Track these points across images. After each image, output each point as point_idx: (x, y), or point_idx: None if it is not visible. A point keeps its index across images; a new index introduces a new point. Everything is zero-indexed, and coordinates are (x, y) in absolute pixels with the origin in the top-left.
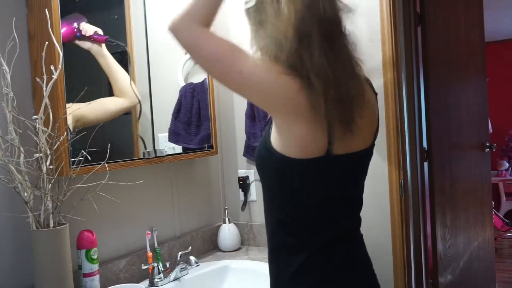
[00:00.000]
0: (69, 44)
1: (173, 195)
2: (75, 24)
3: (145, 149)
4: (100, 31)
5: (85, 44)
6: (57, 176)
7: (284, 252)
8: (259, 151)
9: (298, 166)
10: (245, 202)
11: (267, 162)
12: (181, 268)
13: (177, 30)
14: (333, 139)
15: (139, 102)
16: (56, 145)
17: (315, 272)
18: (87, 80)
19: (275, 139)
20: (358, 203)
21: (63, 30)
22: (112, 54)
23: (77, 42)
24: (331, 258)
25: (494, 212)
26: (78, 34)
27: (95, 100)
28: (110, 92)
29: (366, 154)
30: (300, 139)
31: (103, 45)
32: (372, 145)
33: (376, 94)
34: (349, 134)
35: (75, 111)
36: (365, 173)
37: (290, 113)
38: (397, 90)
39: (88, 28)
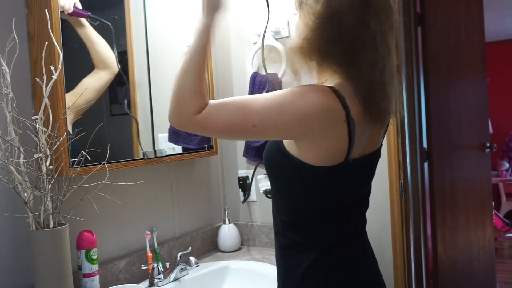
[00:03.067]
0: (68, 42)
1: (173, 195)
2: None
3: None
4: (78, 4)
5: (63, 14)
6: (57, 176)
7: (293, 251)
8: (271, 153)
9: (316, 173)
10: (245, 199)
11: (281, 165)
12: (181, 269)
13: (180, 126)
14: (352, 147)
15: (120, 70)
16: (56, 145)
17: (324, 271)
18: (70, 50)
19: (292, 145)
20: (365, 205)
21: None
22: (95, 25)
23: None
24: (340, 258)
25: (495, 213)
26: None
27: (78, 85)
28: (93, 65)
29: (377, 155)
30: (322, 152)
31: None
32: (381, 145)
33: None
34: (366, 139)
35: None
36: (374, 174)
37: (314, 133)
38: None
39: (66, 5)
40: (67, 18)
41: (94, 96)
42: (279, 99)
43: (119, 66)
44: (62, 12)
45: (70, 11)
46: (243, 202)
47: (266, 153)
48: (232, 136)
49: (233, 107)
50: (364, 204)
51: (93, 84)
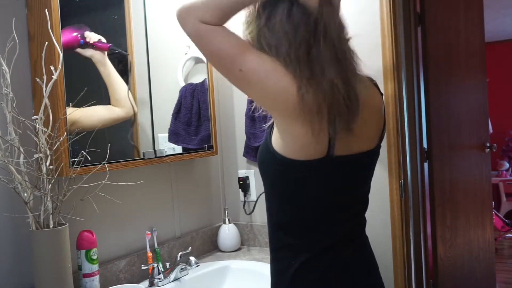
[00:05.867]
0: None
1: (173, 195)
2: (79, 33)
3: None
4: (103, 39)
5: (87, 52)
6: (57, 176)
7: (285, 253)
8: (261, 152)
9: (298, 167)
10: (245, 202)
11: (268, 163)
12: (181, 269)
13: (183, 22)
14: (333, 140)
15: (135, 113)
16: (56, 145)
17: (316, 273)
18: (86, 83)
19: (276, 140)
20: (363, 205)
21: (65, 37)
22: (113, 54)
23: (79, 50)
24: (333, 260)
25: (495, 213)
26: (81, 41)
27: (91, 107)
28: (108, 100)
29: (370, 155)
30: (301, 140)
31: (105, 53)
32: (378, 146)
33: (382, 94)
34: (350, 134)
35: (70, 114)
36: (371, 175)
37: (290, 113)
38: (397, 90)
39: (92, 36)
40: (90, 57)
41: (100, 124)
42: (275, 66)
43: (136, 110)
44: (85, 44)
45: (96, 40)
46: (247, 213)
47: (258, 154)
48: (217, 63)
49: (236, 43)
50: (361, 205)
51: (102, 113)
